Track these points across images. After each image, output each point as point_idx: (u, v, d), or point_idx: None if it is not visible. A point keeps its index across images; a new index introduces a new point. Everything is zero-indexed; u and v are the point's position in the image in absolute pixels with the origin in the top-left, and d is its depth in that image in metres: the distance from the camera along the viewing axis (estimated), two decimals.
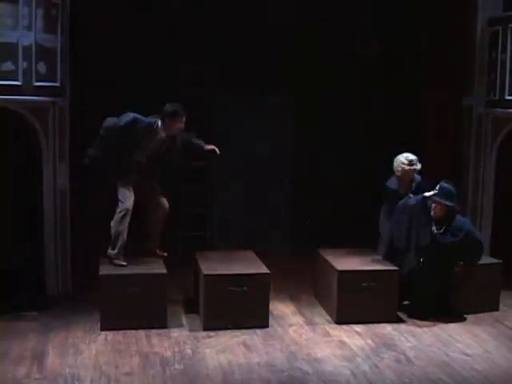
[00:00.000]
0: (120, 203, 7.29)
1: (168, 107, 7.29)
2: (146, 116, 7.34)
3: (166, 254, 7.66)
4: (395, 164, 7.86)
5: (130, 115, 7.23)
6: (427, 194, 7.44)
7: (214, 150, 7.60)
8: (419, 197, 7.52)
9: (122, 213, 7.28)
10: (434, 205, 7.37)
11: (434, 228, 7.39)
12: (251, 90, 9.75)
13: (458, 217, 7.49)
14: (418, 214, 7.42)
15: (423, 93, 9.98)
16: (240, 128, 9.92)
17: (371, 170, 9.43)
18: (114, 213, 7.33)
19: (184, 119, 7.31)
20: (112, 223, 7.31)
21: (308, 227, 9.98)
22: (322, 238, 8.79)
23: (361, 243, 8.12)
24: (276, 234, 10.20)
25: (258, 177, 10.11)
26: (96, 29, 8.95)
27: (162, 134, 7.33)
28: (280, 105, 10.14)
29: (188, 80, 9.64)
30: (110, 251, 7.32)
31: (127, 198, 7.29)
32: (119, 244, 7.30)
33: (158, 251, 7.67)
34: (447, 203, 7.31)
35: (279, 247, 9.83)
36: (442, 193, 7.33)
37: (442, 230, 7.38)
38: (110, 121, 7.30)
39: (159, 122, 7.29)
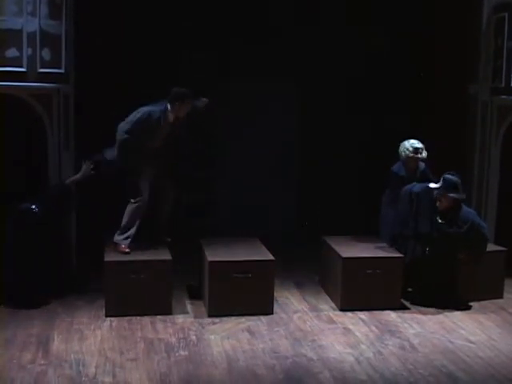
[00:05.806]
0: (138, 194, 7.31)
1: (177, 91, 7.33)
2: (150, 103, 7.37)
3: (170, 240, 7.67)
4: (400, 149, 7.88)
5: (143, 110, 7.25)
6: (432, 185, 7.41)
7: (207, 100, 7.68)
8: (424, 185, 7.50)
9: (139, 203, 7.33)
10: (439, 197, 7.35)
11: (438, 218, 7.36)
12: (255, 78, 9.73)
13: (464, 208, 7.45)
14: (421, 202, 7.40)
15: (428, 80, 9.95)
16: (244, 116, 9.90)
17: (376, 156, 9.43)
18: (119, 198, 7.34)
19: (191, 102, 7.39)
20: (126, 212, 7.35)
21: (313, 213, 9.98)
22: (326, 225, 8.78)
23: (365, 230, 8.13)
24: (281, 220, 10.19)
25: (262, 164, 10.10)
26: (100, 15, 8.94)
27: (171, 118, 7.37)
28: (285, 92, 10.10)
29: (191, 67, 9.62)
30: (117, 237, 7.34)
31: (145, 189, 7.34)
32: (129, 233, 7.34)
33: (162, 237, 7.68)
34: (452, 195, 7.25)
35: (284, 234, 9.83)
36: (447, 185, 7.28)
37: (446, 221, 7.36)
38: (124, 125, 7.26)
39: (168, 106, 7.32)
